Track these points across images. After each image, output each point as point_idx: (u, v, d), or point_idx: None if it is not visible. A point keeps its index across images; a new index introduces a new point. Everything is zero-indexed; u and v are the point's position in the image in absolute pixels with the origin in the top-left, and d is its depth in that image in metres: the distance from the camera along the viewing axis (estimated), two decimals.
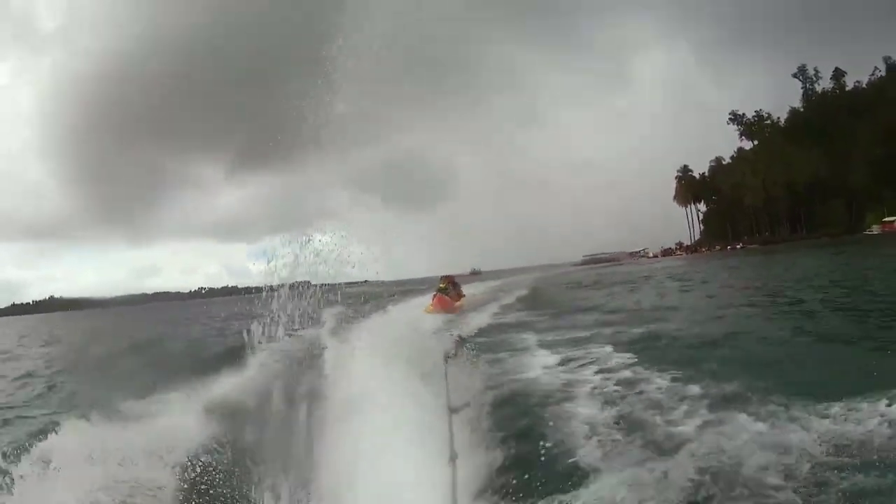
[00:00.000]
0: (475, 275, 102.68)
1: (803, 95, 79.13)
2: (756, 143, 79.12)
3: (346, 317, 13.67)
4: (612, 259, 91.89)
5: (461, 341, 11.00)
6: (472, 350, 9.74)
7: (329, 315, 13.54)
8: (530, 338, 11.08)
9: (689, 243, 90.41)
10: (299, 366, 8.29)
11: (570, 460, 4.62)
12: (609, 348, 8.90)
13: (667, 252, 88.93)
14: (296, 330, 12.46)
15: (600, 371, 7.44)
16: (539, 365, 8.33)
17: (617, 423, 5.30)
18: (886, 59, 77.19)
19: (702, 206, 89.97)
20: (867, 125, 69.73)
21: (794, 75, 79.09)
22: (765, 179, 71.14)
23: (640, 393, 6.21)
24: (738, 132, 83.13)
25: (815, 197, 70.93)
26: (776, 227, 74.04)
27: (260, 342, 11.52)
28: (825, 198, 70.47)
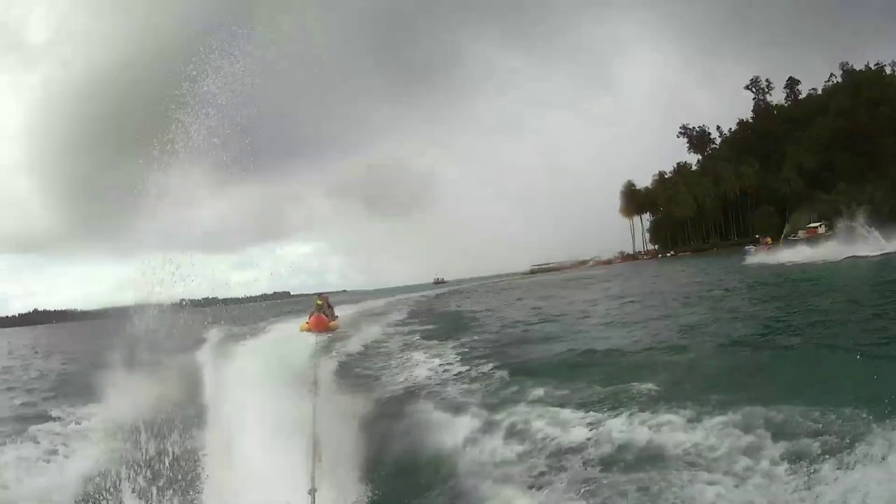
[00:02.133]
0: (438, 284, 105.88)
1: (754, 107, 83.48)
2: (699, 157, 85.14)
3: (229, 335, 14.51)
4: (558, 268, 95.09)
5: (333, 366, 11.26)
6: (341, 376, 10.14)
7: (212, 334, 14.44)
8: (408, 355, 11.70)
9: (631, 252, 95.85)
10: (177, 388, 8.93)
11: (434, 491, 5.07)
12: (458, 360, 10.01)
13: (606, 262, 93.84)
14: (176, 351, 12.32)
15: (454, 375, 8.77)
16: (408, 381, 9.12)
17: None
18: (843, 65, 77.85)
19: (648, 217, 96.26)
20: (807, 134, 73.52)
21: (747, 87, 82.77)
22: (696, 193, 76.83)
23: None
24: (686, 146, 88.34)
25: (748, 206, 75.91)
26: (709, 235, 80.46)
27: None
28: (757, 206, 74.88)
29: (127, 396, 8.82)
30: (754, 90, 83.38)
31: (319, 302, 21.67)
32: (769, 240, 65.01)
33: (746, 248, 43.44)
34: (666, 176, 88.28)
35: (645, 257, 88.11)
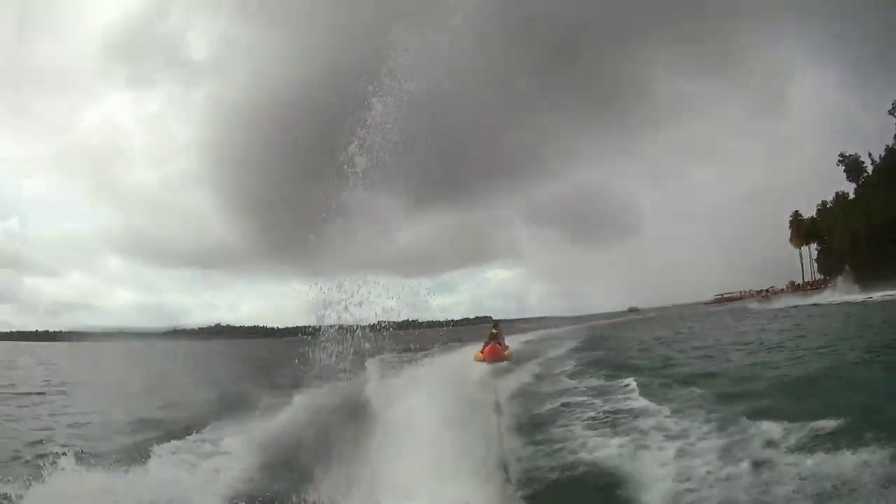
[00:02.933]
0: (632, 312, 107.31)
1: None
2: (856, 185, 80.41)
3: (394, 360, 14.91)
4: (739, 298, 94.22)
5: (511, 395, 11.14)
6: (521, 404, 9.99)
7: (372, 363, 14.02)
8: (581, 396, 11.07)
9: (799, 282, 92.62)
10: (352, 405, 8.93)
11: None
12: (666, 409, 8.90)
13: (777, 292, 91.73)
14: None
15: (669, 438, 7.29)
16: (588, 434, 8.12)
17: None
18: None
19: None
20: None
21: (890, 112, 76.74)
22: (850, 225, 73.87)
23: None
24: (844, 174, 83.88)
25: None
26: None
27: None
28: None
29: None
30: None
31: (494, 331, 21.48)
32: None
33: None
34: (828, 206, 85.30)
35: (809, 288, 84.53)
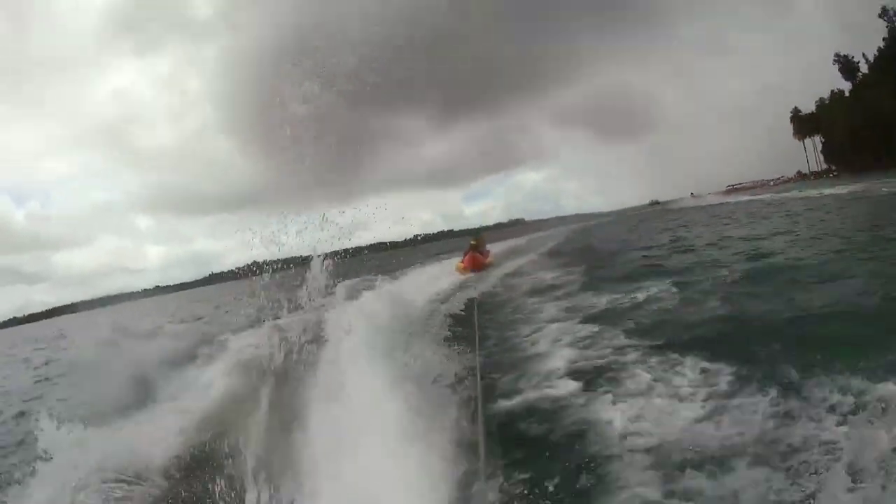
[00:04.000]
0: (654, 205, 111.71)
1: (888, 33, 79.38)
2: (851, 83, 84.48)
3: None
4: (752, 187, 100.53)
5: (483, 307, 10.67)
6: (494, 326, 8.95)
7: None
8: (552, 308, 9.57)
9: (806, 173, 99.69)
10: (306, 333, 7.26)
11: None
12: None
13: (785, 181, 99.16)
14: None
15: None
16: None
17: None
18: None
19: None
20: None
21: (880, 16, 78.83)
22: (850, 120, 78.39)
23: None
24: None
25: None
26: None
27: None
28: None
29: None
30: (886, 18, 78.88)
31: (474, 242, 21.37)
32: None
33: None
34: (826, 102, 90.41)
35: (813, 178, 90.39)
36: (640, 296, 9.20)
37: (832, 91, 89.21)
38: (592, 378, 5.65)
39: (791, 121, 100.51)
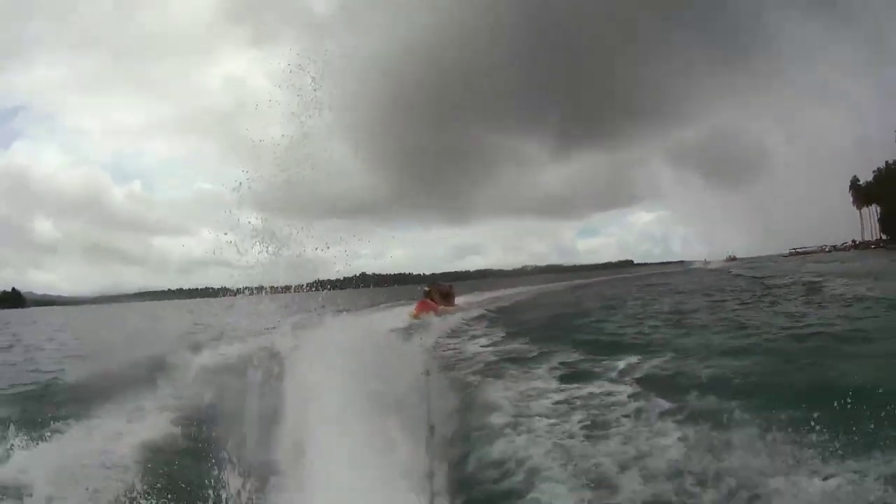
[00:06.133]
0: (731, 261, 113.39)
1: None
2: None
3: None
4: (814, 252, 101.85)
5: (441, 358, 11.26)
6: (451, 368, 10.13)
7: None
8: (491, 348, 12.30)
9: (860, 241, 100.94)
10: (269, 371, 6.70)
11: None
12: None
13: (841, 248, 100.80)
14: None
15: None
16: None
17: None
18: None
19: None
20: None
21: None
22: None
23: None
24: None
25: None
26: None
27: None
28: None
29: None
30: None
31: (427, 289, 24.04)
32: None
33: None
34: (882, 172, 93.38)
35: (872, 248, 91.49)
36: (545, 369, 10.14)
37: (887, 162, 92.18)
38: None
39: (850, 189, 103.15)
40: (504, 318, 20.36)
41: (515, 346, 12.79)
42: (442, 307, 23.47)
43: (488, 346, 13.04)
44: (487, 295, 37.08)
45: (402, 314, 22.47)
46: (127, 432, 6.75)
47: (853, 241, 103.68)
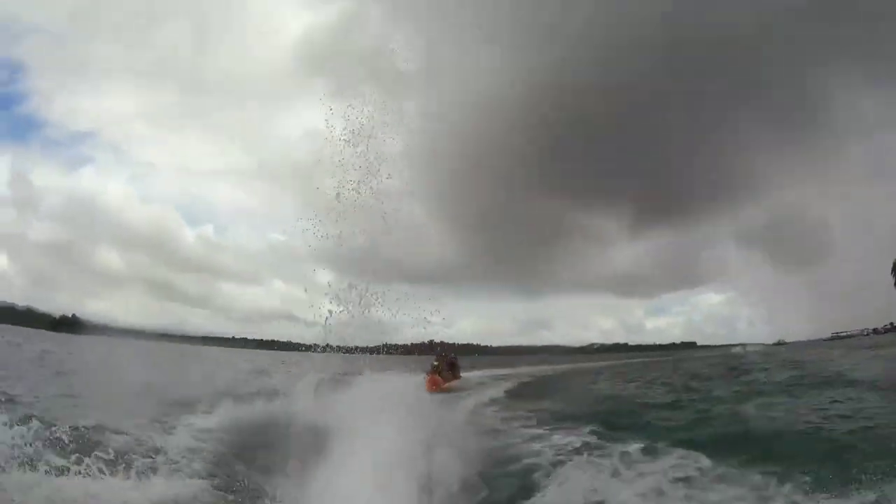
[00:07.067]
0: (777, 345, 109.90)
1: None
2: None
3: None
4: (857, 335, 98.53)
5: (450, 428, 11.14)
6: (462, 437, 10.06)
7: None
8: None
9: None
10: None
11: None
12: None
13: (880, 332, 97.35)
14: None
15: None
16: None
17: None
18: None
19: None
20: None
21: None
22: None
23: None
24: None
25: None
26: None
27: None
28: None
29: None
30: None
31: (436, 363, 22.67)
32: None
33: None
34: None
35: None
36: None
37: None
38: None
39: (892, 271, 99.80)
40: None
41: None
42: (450, 383, 22.57)
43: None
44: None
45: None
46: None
47: (891, 323, 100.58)
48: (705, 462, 8.06)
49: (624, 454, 8.66)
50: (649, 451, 8.86)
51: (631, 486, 7.30)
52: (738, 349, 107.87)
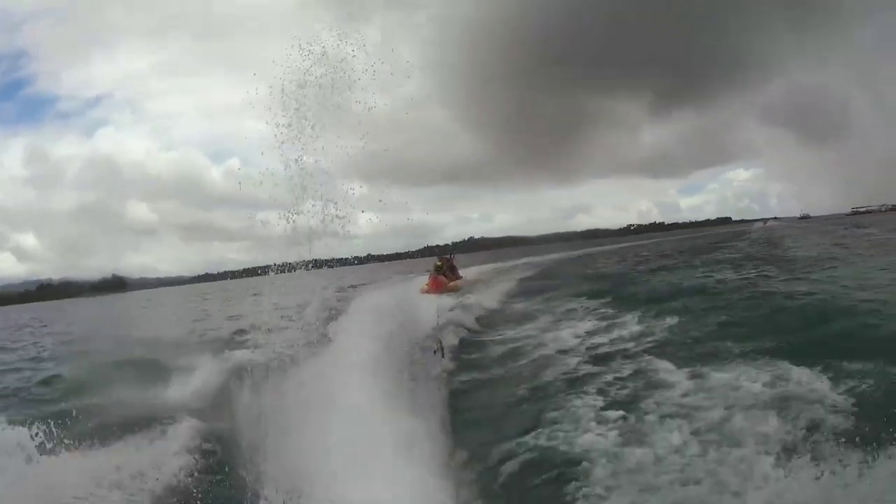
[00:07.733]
0: (804, 219, 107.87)
1: None
2: None
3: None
4: (876, 211, 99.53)
5: (455, 331, 11.03)
6: (466, 339, 10.28)
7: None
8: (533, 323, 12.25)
9: None
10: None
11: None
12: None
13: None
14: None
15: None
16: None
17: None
18: None
19: None
20: None
21: None
22: None
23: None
24: None
25: None
26: None
27: None
28: None
29: None
30: None
31: (439, 263, 22.16)
32: None
33: None
34: None
35: None
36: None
37: None
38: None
39: None
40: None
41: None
42: (453, 283, 22.20)
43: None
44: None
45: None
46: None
47: None
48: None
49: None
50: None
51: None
52: (758, 224, 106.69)
